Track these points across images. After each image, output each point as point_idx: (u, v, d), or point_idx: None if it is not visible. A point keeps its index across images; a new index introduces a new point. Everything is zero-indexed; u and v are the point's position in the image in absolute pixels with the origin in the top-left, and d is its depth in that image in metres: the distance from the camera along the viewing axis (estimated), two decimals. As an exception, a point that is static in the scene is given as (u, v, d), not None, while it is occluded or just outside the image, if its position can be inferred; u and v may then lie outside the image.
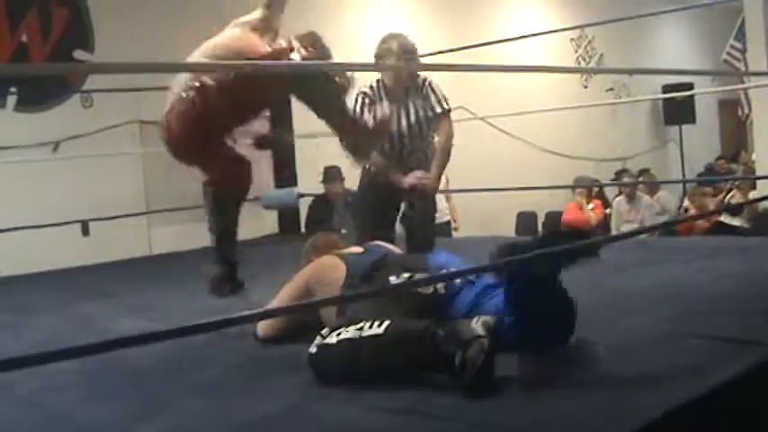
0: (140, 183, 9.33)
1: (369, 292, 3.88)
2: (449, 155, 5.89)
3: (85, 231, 8.48)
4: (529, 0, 14.20)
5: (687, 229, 10.48)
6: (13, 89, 8.60)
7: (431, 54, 7.62)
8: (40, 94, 8.78)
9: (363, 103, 5.74)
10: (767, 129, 11.48)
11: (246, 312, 2.73)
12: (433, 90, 5.82)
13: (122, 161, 9.20)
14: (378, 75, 5.98)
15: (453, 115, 5.97)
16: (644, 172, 13.72)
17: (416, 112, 5.79)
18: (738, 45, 13.97)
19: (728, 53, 14.48)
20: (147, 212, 9.12)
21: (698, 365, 3.34)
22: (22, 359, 2.20)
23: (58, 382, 3.76)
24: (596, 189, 12.13)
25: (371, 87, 5.87)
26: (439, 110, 5.80)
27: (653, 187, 12.12)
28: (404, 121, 5.77)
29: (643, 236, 7.32)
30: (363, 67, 6.21)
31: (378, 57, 5.84)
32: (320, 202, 9.23)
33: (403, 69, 5.92)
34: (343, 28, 10.53)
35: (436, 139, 5.95)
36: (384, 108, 5.50)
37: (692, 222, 10.07)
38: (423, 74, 5.97)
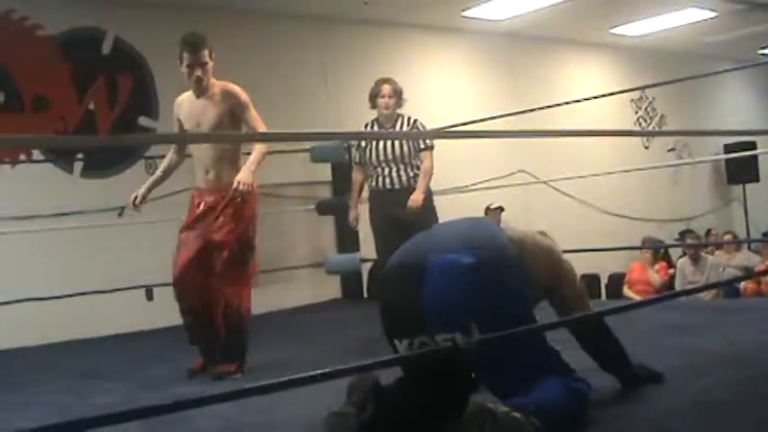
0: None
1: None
2: (430, 178, 6.87)
3: (150, 296, 8.56)
4: (588, 62, 14.23)
5: (753, 290, 10.34)
6: (79, 155, 8.76)
7: (492, 118, 7.65)
8: (105, 160, 8.93)
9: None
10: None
11: (311, 373, 2.73)
12: (420, 128, 7.04)
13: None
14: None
15: (515, 179, 6.35)
16: (710, 232, 13.64)
17: (400, 142, 6.88)
18: (802, 103, 13.89)
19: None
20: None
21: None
22: (89, 420, 2.22)
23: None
24: (661, 250, 12.02)
25: (366, 125, 7.15)
26: (422, 145, 6.88)
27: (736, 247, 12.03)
28: (389, 147, 6.83)
29: (708, 297, 7.22)
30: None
31: (371, 96, 7.00)
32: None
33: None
34: (410, 92, 10.62)
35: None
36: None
37: (757, 282, 9.94)
38: (413, 116, 7.03)
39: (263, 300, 9.37)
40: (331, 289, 9.90)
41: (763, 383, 4.00)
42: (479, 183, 10.62)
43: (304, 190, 10.09)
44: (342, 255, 8.93)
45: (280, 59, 10.38)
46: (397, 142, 6.85)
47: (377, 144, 6.89)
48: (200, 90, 5.63)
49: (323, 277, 9.32)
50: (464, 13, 11.30)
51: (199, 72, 5.55)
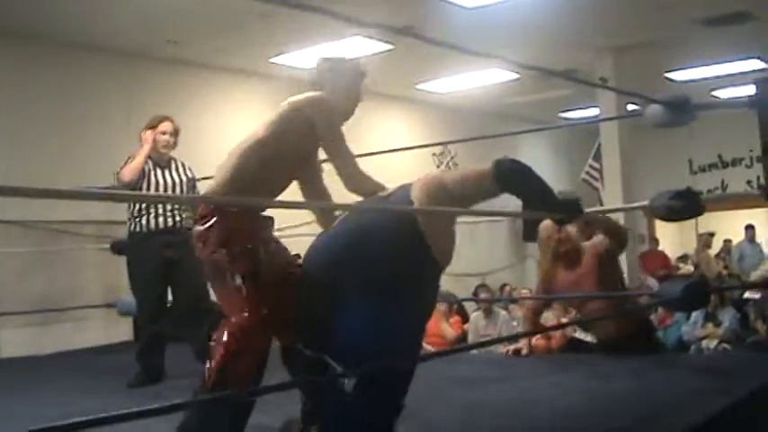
0: (-9, 283, 9.10)
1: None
2: None
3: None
4: (394, 116, 14.46)
5: (544, 346, 10.55)
6: None
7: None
8: None
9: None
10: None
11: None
12: (191, 170, 6.84)
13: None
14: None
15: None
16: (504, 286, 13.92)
17: (180, 180, 6.67)
18: (596, 165, 14.43)
19: (587, 173, 14.93)
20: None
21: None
22: None
23: None
24: (456, 304, 12.16)
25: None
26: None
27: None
28: (168, 185, 6.59)
29: (502, 350, 7.35)
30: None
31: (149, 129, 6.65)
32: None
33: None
34: (213, 133, 10.51)
35: None
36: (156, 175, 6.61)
37: (547, 338, 10.19)
38: (180, 158, 6.84)
39: (53, 339, 9.14)
40: (122, 331, 9.67)
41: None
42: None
43: (101, 228, 9.86)
44: (135, 296, 8.74)
45: (100, 91, 10.23)
46: (177, 180, 6.65)
47: (149, 181, 6.54)
48: None
49: (115, 318, 9.11)
50: (272, 60, 11.33)
51: None
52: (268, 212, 4.01)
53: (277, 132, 3.96)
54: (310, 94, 4.09)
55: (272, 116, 4.04)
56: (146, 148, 6.56)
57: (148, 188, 6.53)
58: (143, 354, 6.58)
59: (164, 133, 6.64)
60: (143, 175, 6.53)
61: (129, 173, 6.45)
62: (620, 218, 11.98)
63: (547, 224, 7.09)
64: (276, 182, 4.01)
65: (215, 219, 3.79)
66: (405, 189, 3.90)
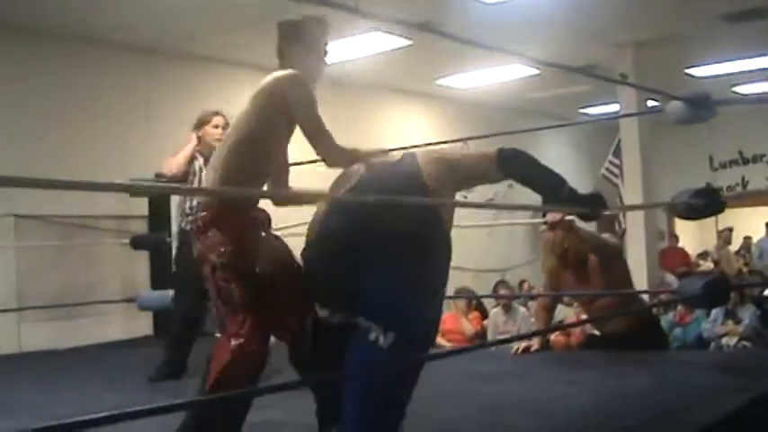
0: (12, 278, 9.13)
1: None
2: None
3: None
4: (414, 111, 14.45)
5: (563, 343, 10.51)
6: None
7: (302, 163, 7.67)
8: None
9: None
10: (639, 241, 11.90)
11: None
12: None
13: (-5, 254, 9.02)
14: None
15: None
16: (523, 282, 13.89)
17: None
18: (616, 161, 14.36)
19: (607, 168, 14.86)
20: (18, 309, 8.89)
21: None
22: None
23: None
24: (475, 300, 12.13)
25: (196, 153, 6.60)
26: None
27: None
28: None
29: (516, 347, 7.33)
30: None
31: (203, 122, 6.62)
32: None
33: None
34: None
35: None
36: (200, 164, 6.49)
37: (566, 335, 10.17)
38: None
39: (73, 334, 9.16)
40: (142, 325, 9.71)
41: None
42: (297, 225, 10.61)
43: (119, 223, 9.89)
44: (154, 291, 8.76)
45: (102, 86, 10.20)
46: None
47: (200, 179, 6.47)
48: None
49: (135, 313, 9.14)
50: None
51: None
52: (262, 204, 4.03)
53: (252, 122, 3.92)
54: (279, 73, 3.98)
55: (247, 106, 3.96)
56: (189, 147, 6.55)
57: (191, 181, 6.53)
58: (172, 346, 6.57)
59: (216, 127, 6.55)
60: (194, 173, 6.52)
61: (171, 165, 6.50)
62: (639, 215, 12.01)
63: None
64: (267, 173, 4.01)
65: (211, 234, 3.78)
66: (411, 157, 3.92)
